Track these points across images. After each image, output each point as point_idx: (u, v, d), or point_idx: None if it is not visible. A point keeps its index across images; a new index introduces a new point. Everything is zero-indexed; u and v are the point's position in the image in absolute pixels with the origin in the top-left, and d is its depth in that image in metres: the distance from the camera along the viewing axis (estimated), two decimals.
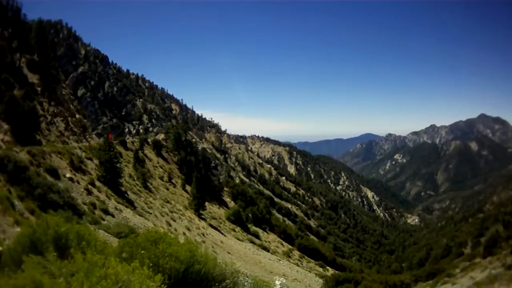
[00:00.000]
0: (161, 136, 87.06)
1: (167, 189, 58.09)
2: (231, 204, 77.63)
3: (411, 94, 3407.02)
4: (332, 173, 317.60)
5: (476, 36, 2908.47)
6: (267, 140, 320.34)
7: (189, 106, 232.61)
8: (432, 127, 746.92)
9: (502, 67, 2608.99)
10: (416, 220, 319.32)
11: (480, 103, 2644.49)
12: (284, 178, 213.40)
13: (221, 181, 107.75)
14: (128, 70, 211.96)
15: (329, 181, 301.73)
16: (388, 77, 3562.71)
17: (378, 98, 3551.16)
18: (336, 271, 65.66)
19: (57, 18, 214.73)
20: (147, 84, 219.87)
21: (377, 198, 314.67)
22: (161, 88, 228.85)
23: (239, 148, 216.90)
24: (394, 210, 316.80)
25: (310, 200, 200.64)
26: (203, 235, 42.80)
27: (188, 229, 41.46)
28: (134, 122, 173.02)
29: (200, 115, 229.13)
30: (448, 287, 39.84)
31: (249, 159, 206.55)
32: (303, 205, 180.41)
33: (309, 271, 55.40)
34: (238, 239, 52.95)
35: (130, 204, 37.91)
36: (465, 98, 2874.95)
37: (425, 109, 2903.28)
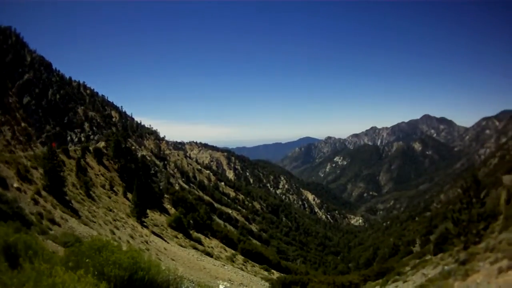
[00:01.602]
0: (101, 144, 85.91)
1: (109, 197, 57.40)
2: (172, 210, 77.14)
3: (350, 96, 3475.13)
4: (271, 177, 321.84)
5: (417, 38, 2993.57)
6: (205, 146, 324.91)
7: (128, 113, 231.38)
8: (373, 129, 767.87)
9: (445, 68, 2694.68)
10: (360, 221, 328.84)
11: (424, 104, 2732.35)
12: (223, 183, 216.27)
13: (161, 188, 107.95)
14: (70, 78, 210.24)
15: (268, 185, 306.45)
16: (326, 80, 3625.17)
17: (317, 101, 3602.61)
18: (282, 274, 65.77)
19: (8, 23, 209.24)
20: (88, 92, 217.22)
21: (318, 201, 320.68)
22: (102, 95, 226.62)
23: (178, 155, 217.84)
24: (337, 212, 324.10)
25: (250, 204, 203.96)
26: (147, 242, 42.25)
27: (132, 237, 40.91)
28: (76, 130, 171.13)
29: (139, 122, 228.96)
30: (399, 285, 39.90)
31: (188, 166, 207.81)
32: (244, 210, 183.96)
33: (255, 275, 55.56)
34: (181, 246, 52.62)
35: (75, 213, 37.27)
36: (408, 100, 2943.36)
37: (366, 111, 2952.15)
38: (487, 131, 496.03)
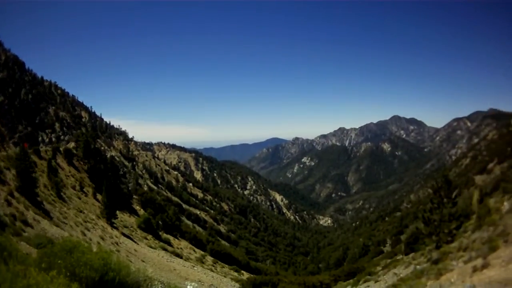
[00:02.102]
0: (71, 145, 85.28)
1: (79, 198, 56.73)
2: (141, 212, 76.84)
3: (318, 98, 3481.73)
4: (239, 178, 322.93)
5: (386, 38, 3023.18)
6: (173, 147, 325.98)
7: (98, 113, 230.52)
8: (341, 129, 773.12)
9: (415, 69, 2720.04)
10: (329, 221, 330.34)
11: (393, 105, 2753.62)
12: (191, 184, 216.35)
13: (130, 189, 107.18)
14: (42, 77, 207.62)
15: (236, 186, 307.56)
16: (293, 80, 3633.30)
17: (285, 102, 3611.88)
18: (252, 275, 65.94)
19: None
20: (59, 91, 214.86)
21: (286, 201, 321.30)
22: (72, 95, 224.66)
23: (146, 156, 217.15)
24: (305, 212, 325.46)
25: (218, 205, 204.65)
26: (117, 244, 41.99)
27: (102, 239, 40.48)
28: (47, 131, 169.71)
29: (108, 122, 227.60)
30: (371, 284, 40.20)
31: (156, 166, 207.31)
32: (212, 211, 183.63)
33: (225, 276, 55.49)
34: (151, 247, 52.55)
35: (47, 214, 36.92)
36: (377, 101, 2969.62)
37: (334, 112, 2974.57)
38: (459, 132, 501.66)
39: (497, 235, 21.39)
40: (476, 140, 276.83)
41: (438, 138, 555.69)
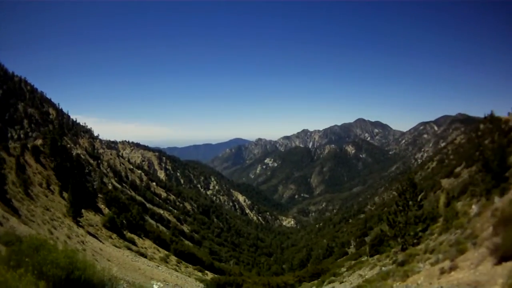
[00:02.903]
0: (39, 142, 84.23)
1: (46, 196, 56.17)
2: (106, 210, 76.32)
3: (282, 99, 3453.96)
4: (202, 178, 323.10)
5: (351, 41, 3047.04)
6: (137, 146, 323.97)
7: (65, 110, 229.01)
8: (305, 131, 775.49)
9: (380, 72, 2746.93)
10: (292, 222, 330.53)
11: (359, 108, 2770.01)
12: (154, 183, 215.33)
13: (95, 187, 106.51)
14: (13, 72, 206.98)
15: (199, 186, 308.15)
16: (257, 81, 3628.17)
17: (248, 103, 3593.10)
18: (216, 275, 66.12)
19: None
20: (28, 88, 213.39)
21: (249, 202, 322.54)
22: (41, 91, 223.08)
23: (111, 154, 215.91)
24: (268, 213, 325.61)
25: (181, 205, 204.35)
26: (83, 242, 41.46)
27: (69, 237, 40.02)
28: (16, 127, 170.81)
29: (74, 120, 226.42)
30: (336, 285, 40.60)
31: (120, 165, 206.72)
32: (175, 211, 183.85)
33: (189, 276, 55.54)
34: (116, 246, 52.19)
35: (15, 212, 36.89)
36: (341, 104, 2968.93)
37: (298, 114, 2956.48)
38: (425, 136, 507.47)
39: (465, 237, 21.68)
40: (443, 144, 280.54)
41: (403, 141, 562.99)
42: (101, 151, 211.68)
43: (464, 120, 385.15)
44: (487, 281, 10.30)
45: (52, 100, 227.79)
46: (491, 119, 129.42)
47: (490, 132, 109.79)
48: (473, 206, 36.40)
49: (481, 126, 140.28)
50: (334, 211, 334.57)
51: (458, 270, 14.12)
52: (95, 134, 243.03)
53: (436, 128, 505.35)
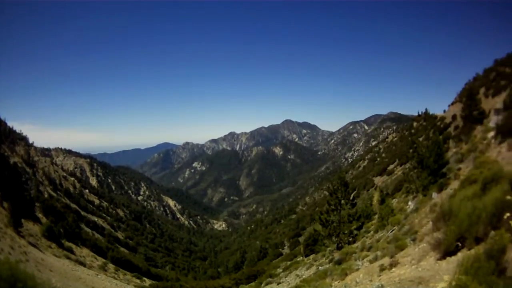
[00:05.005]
0: None
1: None
2: (44, 220, 74.39)
3: (208, 102, 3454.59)
4: (132, 183, 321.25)
5: (276, 41, 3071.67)
6: (70, 152, 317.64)
7: (2, 117, 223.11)
8: (232, 134, 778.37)
9: (307, 73, 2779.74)
10: (223, 225, 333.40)
11: (285, 109, 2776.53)
12: (87, 190, 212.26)
13: (32, 196, 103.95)
14: None
15: (130, 191, 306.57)
16: (183, 85, 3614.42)
17: (175, 106, 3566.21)
18: (154, 281, 65.93)
19: None
20: None
21: (179, 207, 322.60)
22: None
23: (45, 162, 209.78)
24: (199, 217, 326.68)
25: (114, 212, 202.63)
26: (26, 253, 39.95)
27: (12, 248, 38.05)
28: None
29: (11, 127, 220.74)
30: (274, 286, 40.53)
31: (54, 173, 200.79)
32: (108, 217, 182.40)
33: (128, 283, 54.69)
34: (56, 256, 50.60)
35: None
36: (268, 105, 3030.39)
37: (224, 116, 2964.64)
38: (355, 135, 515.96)
39: (404, 234, 21.96)
40: (374, 143, 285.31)
41: (333, 141, 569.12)
42: (36, 158, 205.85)
43: (396, 119, 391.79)
44: (431, 276, 10.28)
45: None
46: (426, 116, 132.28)
47: (424, 129, 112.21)
48: (410, 203, 36.96)
49: (415, 124, 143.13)
50: (265, 212, 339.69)
51: (399, 266, 14.16)
52: (30, 141, 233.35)
53: (366, 127, 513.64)
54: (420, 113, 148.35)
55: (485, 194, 11.27)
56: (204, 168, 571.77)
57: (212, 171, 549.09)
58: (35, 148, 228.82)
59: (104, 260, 67.91)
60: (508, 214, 8.66)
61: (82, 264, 53.53)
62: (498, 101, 51.07)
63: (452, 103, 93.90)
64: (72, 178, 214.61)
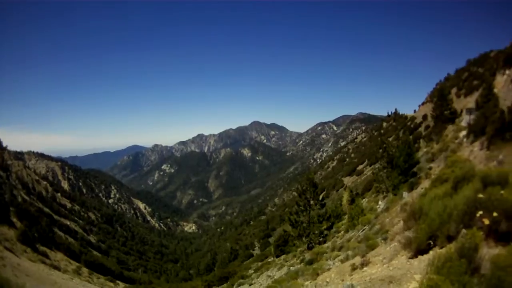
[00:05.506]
0: None
1: None
2: (18, 224, 73.65)
3: (176, 105, 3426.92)
4: (103, 186, 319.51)
5: (242, 46, 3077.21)
6: (42, 156, 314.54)
7: None
8: (200, 136, 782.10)
9: (274, 74, 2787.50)
10: (193, 227, 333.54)
11: (253, 111, 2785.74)
12: (59, 194, 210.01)
13: (6, 200, 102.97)
14: None
15: (100, 194, 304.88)
16: (150, 87, 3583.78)
17: (143, 109, 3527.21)
18: (127, 285, 66.71)
19: None
20: None
21: (149, 209, 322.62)
22: None
23: (18, 165, 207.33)
24: (169, 219, 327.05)
25: (86, 215, 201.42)
26: (2, 258, 39.45)
27: None
28: None
29: None
30: (246, 287, 40.44)
31: (27, 176, 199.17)
32: (80, 221, 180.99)
33: (102, 287, 54.10)
34: (31, 260, 50.16)
35: None
36: (236, 107, 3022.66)
37: (192, 119, 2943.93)
38: (324, 136, 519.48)
39: (374, 233, 22.04)
40: (343, 143, 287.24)
41: (301, 142, 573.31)
42: (9, 162, 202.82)
43: (365, 119, 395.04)
44: (403, 275, 10.25)
45: None
46: (396, 116, 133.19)
47: (394, 129, 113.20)
48: (380, 202, 37.21)
49: (384, 124, 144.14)
50: (234, 214, 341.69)
51: (371, 266, 14.17)
52: (4, 144, 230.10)
53: (335, 128, 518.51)
54: (389, 113, 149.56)
55: (456, 193, 11.31)
56: (173, 171, 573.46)
57: (181, 173, 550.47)
58: (9, 151, 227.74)
59: (78, 264, 67.76)
60: (481, 212, 8.70)
61: (57, 268, 53.36)
62: (470, 101, 51.65)
63: (423, 103, 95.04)
64: (45, 182, 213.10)
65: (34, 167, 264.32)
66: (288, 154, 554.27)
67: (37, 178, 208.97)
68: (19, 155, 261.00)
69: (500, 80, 37.19)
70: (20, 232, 59.71)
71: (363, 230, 28.10)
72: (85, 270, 64.77)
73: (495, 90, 36.64)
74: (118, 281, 68.66)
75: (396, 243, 14.74)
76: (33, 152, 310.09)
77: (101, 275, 67.99)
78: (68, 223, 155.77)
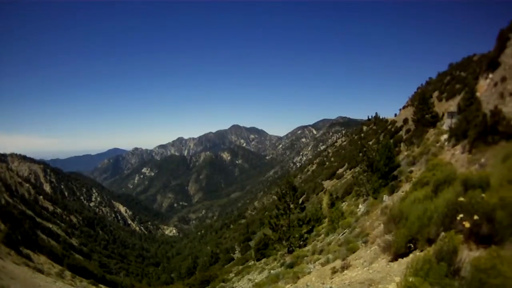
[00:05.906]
0: None
1: None
2: (2, 226, 73.08)
3: (156, 108, 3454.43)
4: (84, 189, 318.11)
5: (221, 50, 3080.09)
6: (24, 158, 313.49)
7: None
8: (180, 139, 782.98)
9: (254, 78, 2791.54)
10: (174, 231, 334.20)
11: (233, 115, 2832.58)
12: (42, 197, 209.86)
13: None
14: None
15: (82, 198, 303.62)
16: (131, 90, 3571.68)
17: (124, 112, 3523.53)
18: None
19: None
20: None
21: (130, 213, 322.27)
22: None
23: (1, 167, 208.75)
24: (150, 223, 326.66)
25: (67, 218, 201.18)
26: None
27: None
28: None
29: None
30: None
31: (10, 179, 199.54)
32: (62, 224, 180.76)
33: None
34: (15, 263, 49.60)
35: None
36: (216, 111, 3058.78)
37: (172, 122, 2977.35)
38: (303, 139, 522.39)
39: (355, 236, 22.09)
40: (323, 147, 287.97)
41: (280, 146, 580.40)
42: None
43: (345, 123, 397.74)
44: (382, 278, 10.25)
45: None
46: (376, 120, 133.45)
47: (374, 133, 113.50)
48: (360, 206, 37.27)
49: (364, 128, 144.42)
50: (214, 217, 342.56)
51: (351, 269, 14.17)
52: None
53: (315, 131, 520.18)
54: (370, 117, 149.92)
55: (437, 196, 11.35)
56: (153, 174, 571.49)
57: (161, 176, 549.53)
58: None
59: (60, 267, 67.27)
60: (461, 216, 8.71)
61: (40, 271, 52.97)
62: (452, 105, 52.01)
63: (404, 107, 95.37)
64: (27, 184, 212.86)
65: (16, 169, 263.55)
66: (267, 157, 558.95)
67: (20, 180, 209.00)
68: (2, 157, 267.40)
69: (483, 84, 37.52)
70: (4, 234, 59.47)
71: (344, 233, 28.15)
72: (68, 273, 64.38)
73: (478, 94, 36.95)
74: (100, 285, 67.73)
75: (376, 247, 14.76)
76: (16, 154, 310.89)
77: (84, 278, 67.56)
78: (51, 226, 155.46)
